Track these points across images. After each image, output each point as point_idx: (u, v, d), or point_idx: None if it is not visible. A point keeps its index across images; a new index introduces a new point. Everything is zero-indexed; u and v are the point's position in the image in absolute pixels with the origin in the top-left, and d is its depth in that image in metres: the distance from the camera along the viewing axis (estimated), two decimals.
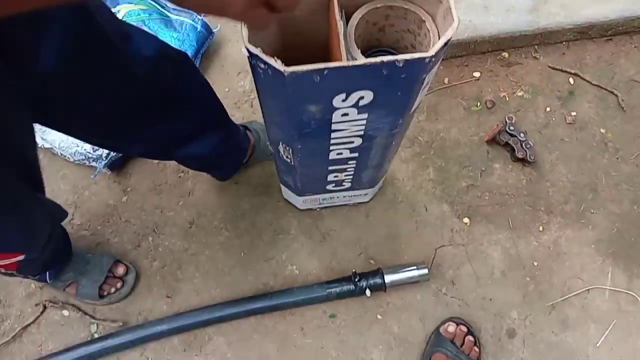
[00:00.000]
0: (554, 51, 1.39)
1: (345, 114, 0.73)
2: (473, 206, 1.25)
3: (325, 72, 0.59)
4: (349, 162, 0.95)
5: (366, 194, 1.20)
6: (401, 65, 0.60)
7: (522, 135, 1.27)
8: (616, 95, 1.34)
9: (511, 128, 1.27)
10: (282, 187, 1.18)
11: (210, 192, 1.26)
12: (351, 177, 1.04)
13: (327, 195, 1.15)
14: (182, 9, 1.34)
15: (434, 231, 1.23)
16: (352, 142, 0.85)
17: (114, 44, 0.64)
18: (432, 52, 0.59)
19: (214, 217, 1.25)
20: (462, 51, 1.36)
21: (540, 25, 1.33)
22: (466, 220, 1.24)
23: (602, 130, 1.32)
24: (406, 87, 0.67)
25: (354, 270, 1.14)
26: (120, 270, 1.16)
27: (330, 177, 1.02)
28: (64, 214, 0.99)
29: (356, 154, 0.91)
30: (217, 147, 0.98)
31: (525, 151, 1.25)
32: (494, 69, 1.38)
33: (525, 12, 1.34)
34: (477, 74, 1.37)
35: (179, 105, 0.82)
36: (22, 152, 0.69)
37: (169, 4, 1.38)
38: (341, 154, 0.89)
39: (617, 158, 1.29)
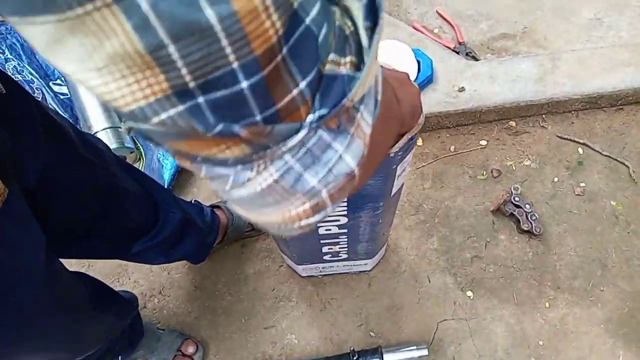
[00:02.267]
0: (563, 120, 1.38)
1: None
2: (477, 278, 1.23)
3: None
4: (340, 237, 0.96)
5: (366, 264, 1.20)
6: None
7: (527, 206, 1.25)
8: (627, 166, 1.31)
9: (517, 199, 1.26)
10: (282, 255, 1.19)
11: (217, 255, 1.29)
12: (346, 249, 1.04)
13: (326, 265, 1.16)
14: None
15: (436, 303, 1.22)
16: (338, 220, 0.86)
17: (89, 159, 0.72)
18: (396, 148, 0.60)
19: (218, 280, 1.26)
20: (469, 120, 1.36)
21: (548, 94, 1.33)
22: (470, 293, 1.22)
23: (613, 203, 1.29)
24: (378, 177, 0.68)
25: (352, 348, 1.13)
26: (191, 349, 1.16)
27: (325, 249, 1.03)
28: (134, 309, 1.03)
29: (345, 230, 0.92)
30: (174, 234, 1.01)
31: (531, 223, 1.24)
32: (500, 138, 1.37)
33: (532, 81, 1.34)
34: (483, 142, 1.37)
35: (129, 201, 0.88)
36: None
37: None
38: (330, 230, 0.90)
39: (629, 232, 1.26)
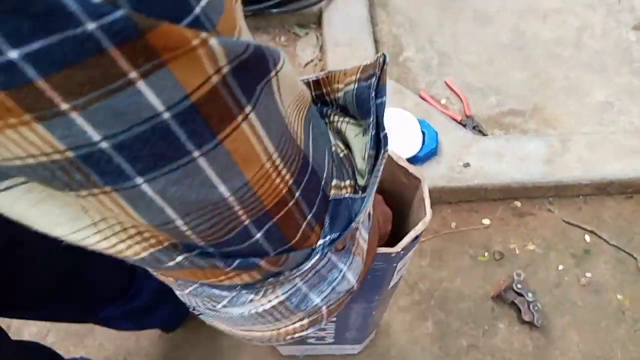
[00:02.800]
0: (570, 205, 1.32)
1: None
2: None
3: None
4: (327, 325, 0.87)
5: (354, 348, 1.11)
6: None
7: (530, 295, 1.17)
8: (635, 259, 1.25)
9: (519, 286, 1.18)
10: None
11: (192, 323, 1.19)
12: (333, 335, 0.96)
13: (309, 347, 1.07)
14: None
15: None
16: None
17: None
18: (398, 248, 0.54)
19: (191, 352, 1.17)
20: (472, 196, 1.30)
21: (556, 177, 1.27)
22: None
23: (619, 297, 1.21)
24: (374, 274, 0.61)
25: None
26: None
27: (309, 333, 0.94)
28: None
29: (333, 319, 0.84)
30: (148, 303, 0.94)
31: (533, 314, 1.16)
32: (504, 218, 1.31)
33: (540, 162, 1.29)
34: (486, 222, 1.30)
35: (102, 264, 0.81)
36: None
37: None
38: None
39: (635, 330, 1.18)
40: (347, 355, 1.16)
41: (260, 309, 0.34)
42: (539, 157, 1.30)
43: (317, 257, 0.31)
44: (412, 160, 1.27)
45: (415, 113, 1.34)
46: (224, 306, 0.34)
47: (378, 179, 0.33)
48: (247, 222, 0.24)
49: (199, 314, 0.40)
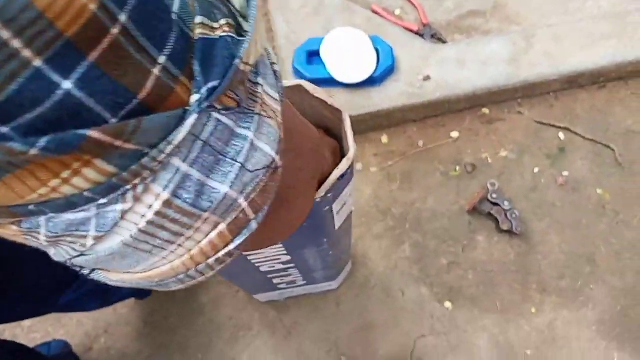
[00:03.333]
0: (540, 104, 1.25)
1: None
2: (455, 287, 1.12)
3: None
4: (290, 270, 0.83)
5: (331, 284, 1.08)
6: None
7: (506, 203, 1.13)
8: (613, 150, 1.19)
9: (494, 196, 1.14)
10: None
11: None
12: (301, 278, 0.92)
13: (285, 291, 1.04)
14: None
15: (412, 319, 1.10)
16: (279, 259, 0.74)
17: None
18: (321, 192, 0.49)
19: (170, 313, 1.14)
20: (437, 111, 1.23)
21: (522, 77, 1.20)
22: (448, 304, 1.11)
23: (599, 191, 1.17)
24: (308, 221, 0.56)
25: None
26: None
27: (277, 281, 0.90)
28: None
29: (292, 264, 0.79)
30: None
31: (511, 222, 1.12)
32: (473, 128, 1.24)
33: (504, 63, 1.21)
34: (455, 134, 1.24)
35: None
36: None
37: None
38: (273, 266, 0.78)
39: (617, 223, 1.14)
40: (327, 292, 1.13)
41: (143, 224, 0.22)
42: (502, 58, 1.22)
43: (192, 119, 0.21)
44: (369, 82, 1.19)
45: (367, 30, 1.24)
46: (95, 240, 0.23)
47: (256, 11, 0.24)
48: (37, 62, 0.16)
49: (81, 272, 0.28)
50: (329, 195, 0.50)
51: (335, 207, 0.58)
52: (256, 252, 0.65)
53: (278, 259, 0.73)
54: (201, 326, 1.12)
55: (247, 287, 0.97)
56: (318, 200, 0.49)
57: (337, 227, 0.67)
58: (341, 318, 1.11)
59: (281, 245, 0.66)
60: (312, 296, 1.13)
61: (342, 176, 0.50)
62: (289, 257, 0.74)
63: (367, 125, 1.22)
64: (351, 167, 0.51)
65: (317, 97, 0.52)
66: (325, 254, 0.76)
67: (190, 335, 1.12)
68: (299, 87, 0.52)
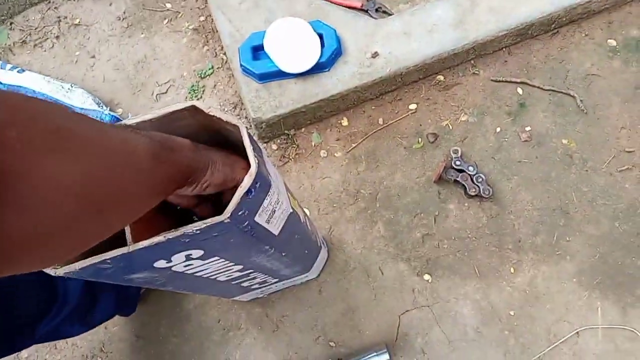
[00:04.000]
0: (494, 61, 1.23)
1: (189, 265, 0.62)
2: (432, 259, 1.12)
3: (109, 261, 0.50)
4: (250, 275, 0.84)
5: (307, 276, 1.09)
6: (198, 233, 0.50)
7: (471, 168, 1.12)
8: (573, 97, 1.17)
9: (457, 162, 1.13)
10: None
11: (152, 297, 1.18)
12: (269, 278, 0.93)
13: (264, 289, 1.05)
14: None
15: (394, 296, 1.11)
16: (232, 269, 0.74)
17: None
18: (226, 214, 0.49)
19: (159, 323, 1.16)
20: (391, 86, 1.22)
21: (471, 38, 1.18)
22: (427, 276, 1.11)
23: (564, 141, 1.16)
24: (234, 237, 0.56)
25: None
26: None
27: (246, 284, 0.91)
28: None
29: (250, 270, 0.80)
30: (82, 300, 0.91)
31: (478, 186, 1.11)
32: (431, 97, 1.23)
33: (450, 28, 1.19)
34: (413, 106, 1.23)
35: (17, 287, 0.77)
36: None
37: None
38: (231, 275, 0.78)
39: (587, 170, 1.13)
40: (309, 281, 1.14)
41: None
42: (448, 23, 1.20)
43: None
44: (318, 68, 1.18)
45: (310, 15, 1.24)
46: None
47: None
48: None
49: None
50: (240, 213, 0.50)
51: (260, 219, 0.57)
52: (198, 268, 0.66)
53: (231, 269, 0.74)
54: (191, 332, 1.15)
55: (221, 295, 0.98)
56: (227, 221, 0.49)
57: (277, 234, 0.67)
58: (325, 305, 1.13)
59: (224, 260, 0.66)
60: (294, 288, 1.14)
61: (248, 192, 0.50)
62: (241, 266, 0.74)
63: (324, 111, 1.22)
64: (256, 181, 0.51)
65: (213, 116, 0.52)
66: (278, 256, 0.77)
67: (182, 342, 1.14)
68: (194, 108, 0.52)
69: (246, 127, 0.52)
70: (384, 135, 1.22)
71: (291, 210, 0.71)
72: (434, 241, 1.13)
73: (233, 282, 0.84)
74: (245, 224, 0.55)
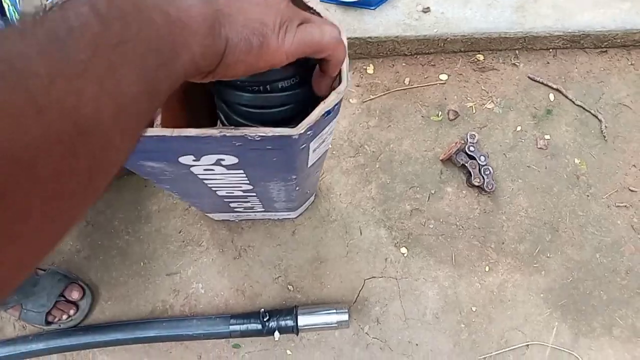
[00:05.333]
0: (538, 59, 1.18)
1: (209, 170, 0.55)
2: (414, 234, 1.09)
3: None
4: (249, 198, 0.77)
5: (289, 215, 1.03)
6: (258, 139, 0.42)
7: (482, 158, 1.09)
8: (600, 120, 1.15)
9: (471, 149, 1.09)
10: None
11: (114, 186, 1.08)
12: (260, 205, 0.86)
13: (241, 214, 0.98)
14: None
15: (365, 259, 1.08)
16: (240, 187, 0.67)
17: None
18: (300, 129, 0.41)
19: (115, 216, 1.07)
20: (430, 48, 1.15)
21: (526, 27, 1.12)
22: (404, 250, 1.08)
23: (577, 161, 1.14)
24: (280, 156, 0.49)
25: (262, 309, 0.99)
26: (75, 294, 0.99)
27: (234, 205, 0.84)
28: None
29: (253, 194, 0.73)
30: None
31: (483, 178, 1.08)
32: (464, 73, 1.17)
33: (510, 9, 1.12)
34: (443, 77, 1.16)
35: None
36: None
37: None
38: (232, 192, 0.71)
39: (588, 195, 1.12)
40: (285, 219, 1.08)
41: None
42: (509, 3, 1.13)
43: None
44: (364, 2, 1.08)
45: None
46: None
47: None
48: None
49: None
50: (309, 132, 0.43)
51: (313, 144, 0.51)
52: (215, 176, 0.58)
53: (239, 187, 0.67)
54: (147, 234, 1.07)
55: (200, 206, 0.90)
56: (296, 136, 0.42)
57: (309, 165, 0.60)
58: (295, 247, 1.08)
59: (244, 175, 0.59)
60: (268, 222, 1.08)
61: (328, 112, 0.42)
62: (250, 187, 0.67)
63: (354, 51, 1.13)
64: (339, 103, 0.44)
65: (312, 9, 0.44)
66: (292, 189, 0.70)
67: (134, 241, 1.06)
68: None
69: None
70: (405, 96, 1.15)
71: (330, 146, 0.64)
72: (422, 218, 1.10)
73: (226, 199, 0.77)
74: (303, 145, 0.48)
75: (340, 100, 0.43)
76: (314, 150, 0.54)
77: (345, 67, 0.43)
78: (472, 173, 1.08)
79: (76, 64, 0.18)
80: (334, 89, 0.42)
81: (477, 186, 1.09)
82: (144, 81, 0.22)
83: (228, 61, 0.29)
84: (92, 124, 0.19)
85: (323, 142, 0.54)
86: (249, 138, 0.42)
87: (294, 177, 0.62)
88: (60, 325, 0.99)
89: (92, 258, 1.05)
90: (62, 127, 0.17)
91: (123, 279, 1.05)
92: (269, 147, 0.45)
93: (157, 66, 0.23)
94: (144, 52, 0.22)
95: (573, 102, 1.15)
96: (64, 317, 0.98)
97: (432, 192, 1.11)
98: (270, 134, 0.41)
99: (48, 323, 0.98)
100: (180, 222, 1.07)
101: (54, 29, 0.19)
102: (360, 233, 1.09)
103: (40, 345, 0.97)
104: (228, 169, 0.55)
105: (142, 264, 1.05)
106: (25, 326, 1.01)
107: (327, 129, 0.50)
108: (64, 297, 0.99)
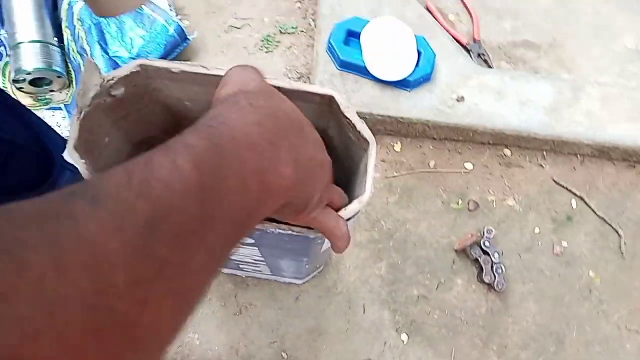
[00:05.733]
0: (564, 163, 1.18)
1: None
2: (417, 322, 1.07)
3: None
4: (259, 264, 0.77)
5: (296, 280, 1.03)
6: (277, 234, 0.42)
7: (496, 255, 1.07)
8: (619, 236, 1.14)
9: (487, 244, 1.08)
10: None
11: None
12: (269, 270, 0.86)
13: (249, 273, 0.98)
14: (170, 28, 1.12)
15: (365, 339, 1.06)
16: (252, 257, 0.67)
17: None
18: (317, 232, 0.42)
19: None
20: (459, 136, 1.15)
21: (556, 131, 1.12)
22: (404, 336, 1.06)
23: (591, 274, 1.12)
24: (295, 245, 0.49)
25: None
26: None
27: (243, 266, 0.84)
28: None
29: (263, 262, 0.73)
30: None
31: (494, 276, 1.06)
32: (489, 165, 1.17)
33: (544, 111, 1.13)
34: (469, 166, 1.17)
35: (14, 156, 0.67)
36: None
37: None
38: (243, 259, 0.71)
39: (598, 312, 1.10)
40: (290, 284, 1.07)
41: None
42: (543, 104, 1.14)
43: None
44: (401, 83, 1.10)
45: (416, 27, 1.15)
46: None
47: None
48: None
49: None
50: (319, 240, 0.44)
51: (326, 243, 0.51)
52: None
53: (251, 257, 0.67)
54: None
55: None
56: (313, 236, 0.42)
57: (322, 250, 0.60)
58: (296, 314, 1.06)
59: (258, 251, 0.59)
60: (274, 283, 1.07)
61: (348, 219, 0.43)
62: (262, 258, 0.67)
63: (385, 127, 1.14)
64: (353, 217, 0.44)
65: (347, 117, 0.44)
66: (301, 265, 0.70)
67: None
68: (330, 98, 0.44)
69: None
70: (428, 179, 1.16)
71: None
72: (427, 306, 1.08)
73: (236, 262, 0.77)
74: (319, 242, 0.49)
75: (355, 215, 0.43)
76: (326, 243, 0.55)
77: (369, 175, 0.43)
78: (484, 269, 1.07)
79: (154, 260, 0.18)
80: (359, 195, 0.43)
81: (487, 283, 1.07)
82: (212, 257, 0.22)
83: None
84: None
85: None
86: (268, 232, 0.42)
87: (306, 259, 0.62)
88: None
89: None
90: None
91: None
92: (286, 239, 0.45)
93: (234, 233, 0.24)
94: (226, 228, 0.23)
95: (595, 213, 1.15)
96: None
97: (442, 281, 1.10)
98: (288, 232, 0.41)
99: None
100: None
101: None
102: (364, 311, 1.07)
103: None
104: (244, 246, 0.55)
105: None
106: None
107: None
108: None
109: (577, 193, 1.15)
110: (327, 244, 0.57)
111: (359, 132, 0.44)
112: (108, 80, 0.43)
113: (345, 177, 0.49)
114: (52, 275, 0.15)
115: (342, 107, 0.44)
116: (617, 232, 1.14)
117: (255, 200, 0.25)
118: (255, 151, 0.25)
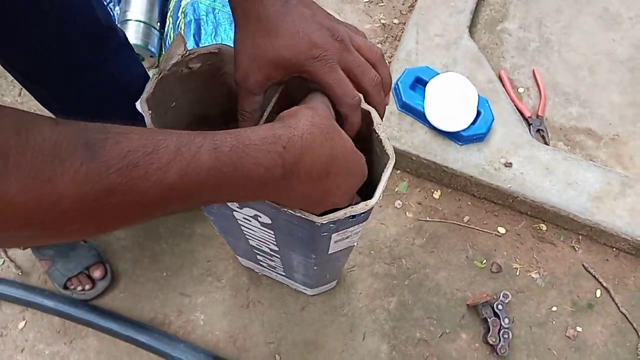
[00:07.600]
0: (598, 252, 1.18)
1: (247, 219, 0.62)
2: None
3: None
4: (273, 257, 0.83)
5: (306, 290, 1.08)
6: (287, 213, 0.49)
7: (506, 320, 1.08)
8: (639, 337, 1.11)
9: (500, 307, 1.09)
10: None
11: None
12: (282, 268, 0.92)
13: (264, 269, 1.04)
14: None
15: None
16: (268, 245, 0.74)
17: None
18: (324, 219, 0.48)
19: (163, 223, 1.17)
20: (498, 199, 1.18)
21: (596, 218, 1.13)
22: None
23: None
24: (304, 233, 0.55)
25: None
26: (97, 273, 1.08)
27: (260, 258, 0.91)
28: None
29: (277, 256, 0.80)
30: None
31: (499, 340, 1.07)
32: (522, 235, 1.19)
33: (588, 196, 1.14)
34: (501, 230, 1.19)
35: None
36: None
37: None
38: (260, 246, 0.78)
39: None
40: (301, 292, 1.13)
41: None
42: (589, 190, 1.15)
43: None
44: (454, 135, 1.16)
45: (482, 90, 1.21)
46: None
47: None
48: None
49: None
50: (331, 225, 0.49)
51: (335, 236, 0.57)
52: (251, 226, 0.65)
53: (267, 244, 0.73)
54: (181, 251, 1.15)
55: (233, 246, 0.97)
56: (318, 224, 0.48)
57: (329, 252, 0.66)
58: (299, 323, 1.11)
59: (273, 235, 0.66)
60: (285, 287, 1.13)
61: (352, 216, 0.48)
62: (277, 248, 0.74)
63: (428, 173, 1.19)
64: (366, 212, 0.49)
65: (376, 132, 0.51)
66: (310, 266, 0.76)
67: (168, 252, 1.15)
68: (368, 113, 0.51)
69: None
70: (459, 232, 1.19)
71: (355, 244, 0.70)
72: (426, 352, 1.10)
73: (254, 250, 0.84)
74: (324, 234, 0.54)
75: (368, 211, 0.49)
76: (336, 242, 0.60)
77: (382, 184, 0.49)
78: (491, 330, 1.07)
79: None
80: (366, 199, 0.48)
81: (491, 345, 1.08)
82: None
83: None
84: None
85: (347, 238, 0.60)
86: (282, 211, 0.49)
87: (313, 256, 0.67)
88: (72, 295, 1.07)
89: (127, 250, 1.15)
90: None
91: (142, 280, 1.12)
92: (296, 223, 0.52)
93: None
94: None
95: (618, 307, 1.13)
96: (79, 288, 1.06)
97: (447, 331, 1.11)
98: (297, 214, 0.47)
99: (65, 287, 1.06)
100: (213, 253, 1.15)
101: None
102: (363, 338, 1.10)
103: (50, 303, 1.06)
104: (262, 226, 0.62)
105: (165, 274, 1.13)
106: (46, 281, 1.11)
107: (351, 229, 0.56)
108: (88, 271, 1.08)
109: (604, 284, 1.14)
110: (335, 245, 0.63)
111: (384, 147, 0.50)
112: (190, 53, 0.52)
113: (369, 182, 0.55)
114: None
115: (374, 123, 0.50)
116: (637, 332, 1.11)
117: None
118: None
